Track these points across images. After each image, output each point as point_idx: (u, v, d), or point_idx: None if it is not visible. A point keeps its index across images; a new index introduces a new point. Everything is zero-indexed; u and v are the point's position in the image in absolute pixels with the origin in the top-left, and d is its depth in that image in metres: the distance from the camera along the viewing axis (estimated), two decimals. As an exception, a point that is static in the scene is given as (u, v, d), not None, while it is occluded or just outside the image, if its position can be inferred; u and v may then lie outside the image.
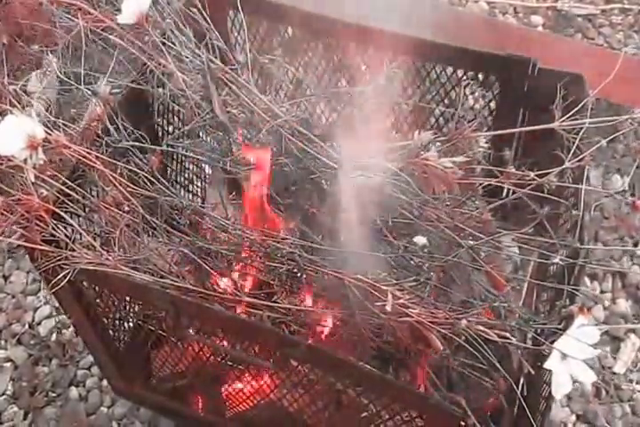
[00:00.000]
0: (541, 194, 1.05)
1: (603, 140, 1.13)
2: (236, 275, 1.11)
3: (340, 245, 1.03)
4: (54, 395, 1.59)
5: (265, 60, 1.26)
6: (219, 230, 1.10)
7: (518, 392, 0.98)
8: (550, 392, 0.88)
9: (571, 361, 0.86)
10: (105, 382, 1.56)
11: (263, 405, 1.22)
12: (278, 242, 1.06)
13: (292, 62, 1.38)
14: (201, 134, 1.22)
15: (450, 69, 1.32)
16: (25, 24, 1.59)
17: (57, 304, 1.52)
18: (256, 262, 1.10)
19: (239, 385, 1.23)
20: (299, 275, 1.09)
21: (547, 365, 0.87)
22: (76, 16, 1.09)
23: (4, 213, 1.01)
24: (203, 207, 1.13)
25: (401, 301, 0.96)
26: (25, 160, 1.00)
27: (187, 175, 1.43)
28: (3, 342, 1.66)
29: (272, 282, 1.09)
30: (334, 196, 1.06)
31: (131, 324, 1.32)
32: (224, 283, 1.11)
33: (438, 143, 1.12)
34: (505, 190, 1.09)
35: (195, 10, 1.16)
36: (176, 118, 1.33)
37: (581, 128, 1.07)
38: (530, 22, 2.21)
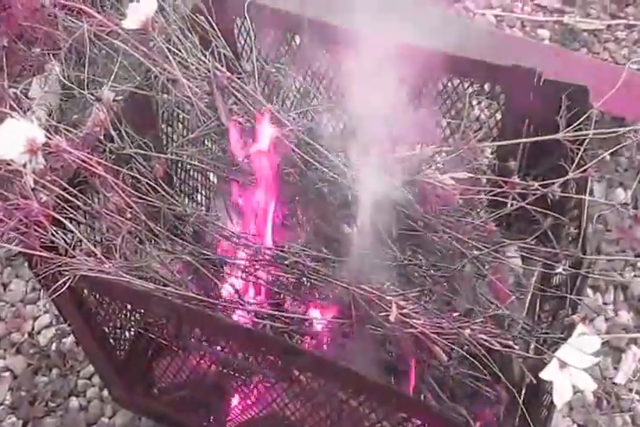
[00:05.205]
0: (544, 206, 1.06)
1: (606, 152, 1.13)
2: (239, 283, 1.11)
3: (345, 254, 1.03)
4: (54, 405, 1.57)
5: (272, 68, 1.26)
6: (223, 239, 1.10)
7: (520, 401, 0.97)
8: (552, 401, 0.88)
9: (571, 370, 0.86)
10: (106, 393, 1.55)
11: (265, 415, 1.22)
12: (283, 251, 1.06)
13: (299, 71, 1.38)
14: (206, 142, 1.22)
15: (456, 80, 1.32)
16: (26, 26, 1.57)
17: (57, 313, 1.51)
18: (260, 271, 1.09)
19: (241, 395, 1.23)
20: (304, 284, 1.08)
21: (543, 374, 0.87)
22: (80, 19, 1.09)
23: (3, 218, 1.00)
24: (207, 216, 1.13)
25: (405, 310, 0.95)
26: (24, 165, 1.00)
27: (191, 184, 1.43)
28: (2, 351, 1.65)
29: (277, 291, 1.09)
30: (339, 206, 1.06)
31: (132, 332, 1.32)
32: (227, 291, 1.10)
33: (444, 153, 1.12)
34: (510, 201, 1.09)
35: (201, 16, 1.17)
36: (181, 126, 1.33)
37: (584, 139, 1.07)
38: (536, 36, 2.22)
